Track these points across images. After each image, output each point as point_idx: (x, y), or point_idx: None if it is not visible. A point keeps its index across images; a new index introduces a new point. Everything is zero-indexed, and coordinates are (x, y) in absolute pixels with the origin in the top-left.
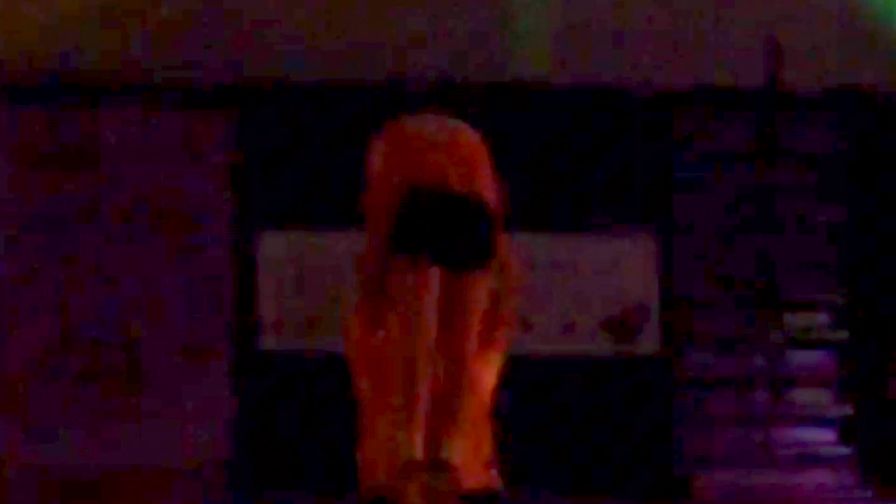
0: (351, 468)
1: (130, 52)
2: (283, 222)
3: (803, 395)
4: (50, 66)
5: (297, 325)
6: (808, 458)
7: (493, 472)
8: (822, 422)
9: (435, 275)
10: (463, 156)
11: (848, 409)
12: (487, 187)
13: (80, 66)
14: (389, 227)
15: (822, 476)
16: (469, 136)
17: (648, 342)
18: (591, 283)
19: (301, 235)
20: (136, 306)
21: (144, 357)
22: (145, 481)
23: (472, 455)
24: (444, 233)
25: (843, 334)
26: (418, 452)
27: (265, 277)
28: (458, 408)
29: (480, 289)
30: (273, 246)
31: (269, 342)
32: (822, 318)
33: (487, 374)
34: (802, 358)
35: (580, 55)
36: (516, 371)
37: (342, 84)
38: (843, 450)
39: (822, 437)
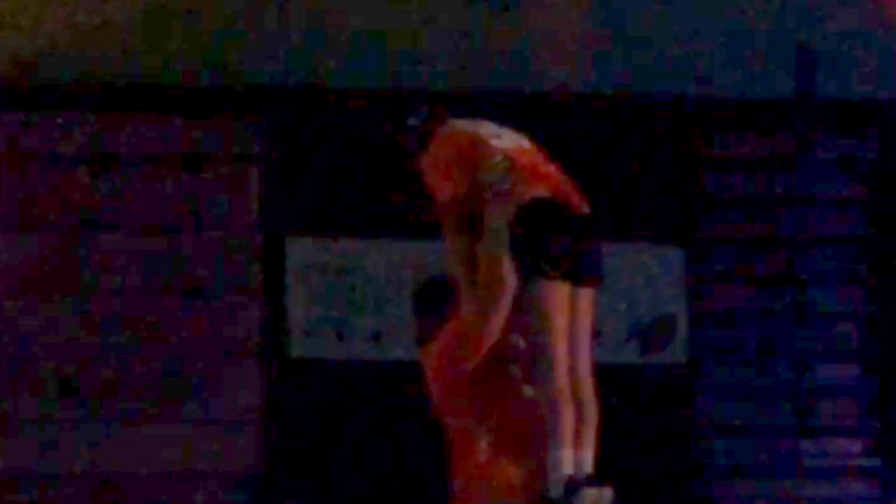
0: (375, 475)
1: (159, 57)
2: (311, 228)
3: (830, 407)
4: (76, 71)
5: (325, 331)
6: (835, 470)
7: None
8: (849, 433)
9: (566, 289)
10: (564, 173)
11: (875, 421)
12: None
13: (108, 71)
14: (522, 242)
15: (848, 487)
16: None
17: (675, 352)
18: (620, 292)
19: (329, 242)
20: (162, 312)
21: (172, 363)
22: (173, 486)
23: None
24: (579, 249)
25: (871, 345)
26: (570, 469)
27: (293, 283)
28: (592, 421)
29: (592, 304)
30: (301, 252)
31: (297, 348)
32: (849, 329)
33: None
34: (830, 369)
35: (609, 68)
36: None
37: (371, 91)
38: (870, 461)
39: (849, 449)
